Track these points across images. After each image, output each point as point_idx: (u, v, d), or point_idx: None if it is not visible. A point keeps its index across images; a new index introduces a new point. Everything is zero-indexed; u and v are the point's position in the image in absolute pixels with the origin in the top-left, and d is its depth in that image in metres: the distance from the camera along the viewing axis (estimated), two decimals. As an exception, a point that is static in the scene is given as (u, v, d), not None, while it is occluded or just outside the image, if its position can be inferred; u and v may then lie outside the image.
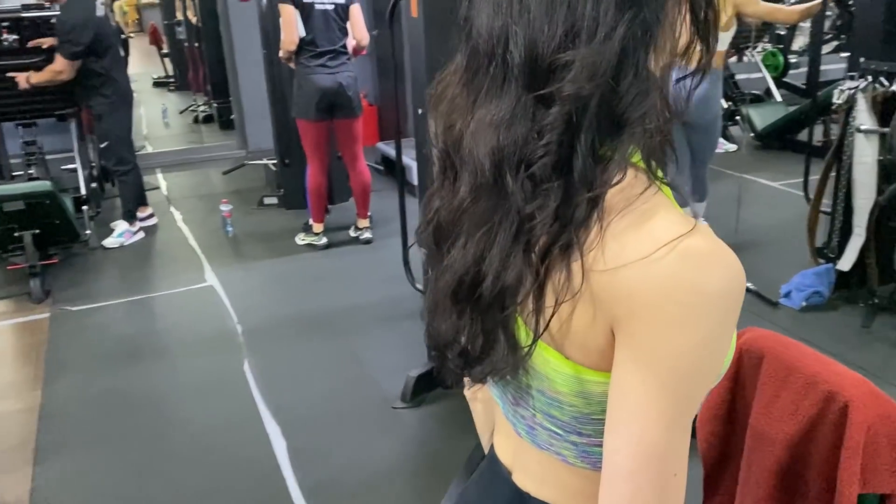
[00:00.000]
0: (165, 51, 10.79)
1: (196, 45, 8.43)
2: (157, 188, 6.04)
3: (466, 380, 0.96)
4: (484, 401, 0.97)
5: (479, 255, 0.67)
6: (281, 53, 4.28)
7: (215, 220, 5.05)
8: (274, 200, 5.45)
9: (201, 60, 8.28)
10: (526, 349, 0.69)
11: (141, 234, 4.87)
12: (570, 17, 0.60)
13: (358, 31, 4.29)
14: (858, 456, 1.03)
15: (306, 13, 4.12)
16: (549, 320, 0.66)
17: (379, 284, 4.03)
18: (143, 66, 11.64)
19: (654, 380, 0.62)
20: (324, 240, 4.59)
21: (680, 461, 0.64)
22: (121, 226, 4.80)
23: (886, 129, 3.13)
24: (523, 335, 0.70)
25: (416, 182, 3.51)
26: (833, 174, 3.52)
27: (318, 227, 4.60)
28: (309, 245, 4.60)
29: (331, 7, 4.16)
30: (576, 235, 0.62)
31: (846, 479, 1.04)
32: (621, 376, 0.64)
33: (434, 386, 2.97)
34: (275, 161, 5.56)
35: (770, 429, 1.15)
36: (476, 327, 0.71)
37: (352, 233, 4.72)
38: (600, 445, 0.72)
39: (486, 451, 1.03)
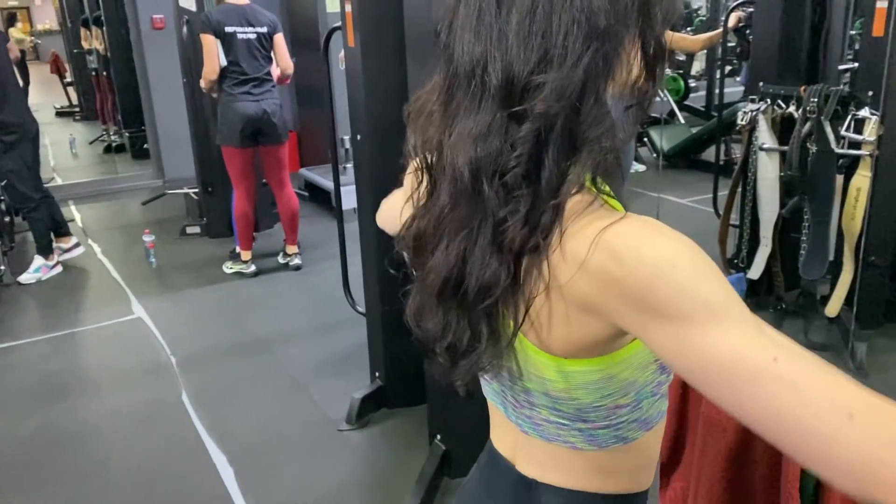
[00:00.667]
0: (69, 79, 10.45)
1: (105, 73, 8.22)
2: (72, 220, 5.84)
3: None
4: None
5: (461, 255, 0.75)
6: (202, 83, 4.27)
7: (137, 252, 4.95)
8: (196, 229, 5.38)
9: (110, 90, 8.09)
10: (508, 340, 0.77)
11: (59, 269, 4.71)
12: (544, 46, 0.69)
13: (282, 60, 4.34)
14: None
15: (228, 42, 4.14)
16: (526, 312, 0.74)
17: (313, 309, 4.06)
18: (44, 95, 11.24)
19: (681, 319, 0.64)
20: (252, 267, 4.57)
21: (774, 347, 0.62)
22: (37, 261, 4.64)
23: (786, 148, 3.41)
24: (507, 330, 0.78)
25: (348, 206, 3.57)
26: (739, 190, 3.80)
27: (246, 255, 4.57)
28: (237, 273, 4.57)
29: (253, 36, 4.19)
30: (542, 238, 0.71)
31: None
32: (663, 344, 0.66)
33: (379, 406, 3.02)
34: (196, 190, 5.49)
35: (720, 417, 1.28)
36: (462, 323, 0.78)
37: (281, 259, 4.71)
38: (606, 428, 0.81)
39: None
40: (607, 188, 0.77)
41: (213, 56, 4.12)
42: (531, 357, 0.79)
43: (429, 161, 0.80)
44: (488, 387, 0.93)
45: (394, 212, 0.94)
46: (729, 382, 0.63)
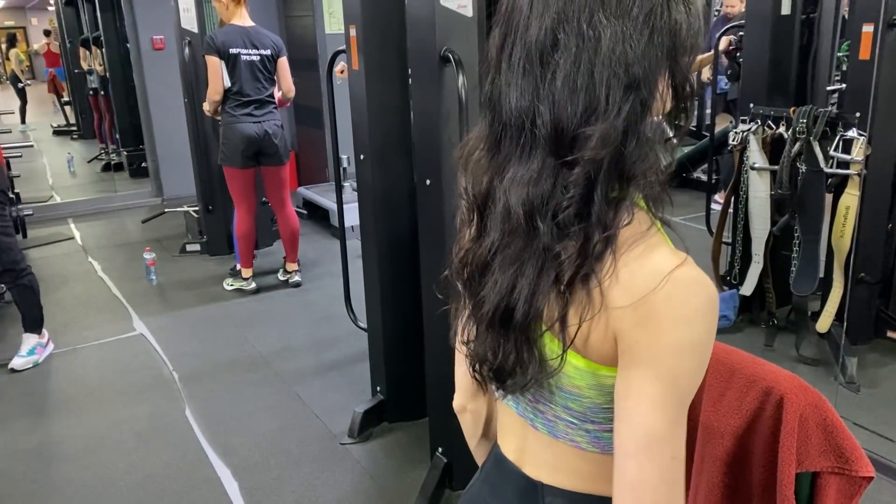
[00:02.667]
0: (66, 99, 10.52)
1: (103, 93, 8.30)
2: (72, 238, 5.90)
3: (456, 395, 1.12)
4: (473, 412, 1.11)
5: (510, 287, 0.82)
6: (205, 106, 4.34)
7: (137, 269, 4.99)
8: (196, 247, 5.43)
9: (108, 109, 8.16)
10: (555, 362, 0.84)
11: (52, 346, 3.91)
12: (588, 99, 0.76)
13: (285, 83, 4.41)
14: (794, 440, 1.23)
15: (232, 64, 4.21)
16: (575, 336, 0.81)
17: (313, 325, 4.11)
18: (41, 115, 11.31)
19: (652, 375, 0.78)
20: (253, 284, 4.62)
21: (677, 445, 0.80)
22: (28, 341, 3.78)
23: (776, 167, 3.49)
24: (549, 350, 0.85)
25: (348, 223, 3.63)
26: (731, 208, 3.88)
27: (246, 272, 4.63)
28: (238, 290, 4.62)
29: (257, 58, 4.27)
30: (594, 267, 0.78)
31: (785, 460, 1.23)
32: (625, 374, 0.80)
33: (381, 420, 3.07)
34: (196, 208, 5.55)
35: (718, 424, 1.34)
36: (509, 347, 0.86)
37: (280, 276, 4.77)
38: (609, 431, 0.88)
39: (476, 457, 1.16)
40: (657, 213, 0.84)
41: (218, 77, 4.19)
42: (565, 360, 0.85)
43: (479, 201, 0.87)
44: None
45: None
46: (629, 443, 0.80)
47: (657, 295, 0.76)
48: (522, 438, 0.98)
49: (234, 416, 3.23)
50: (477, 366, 0.91)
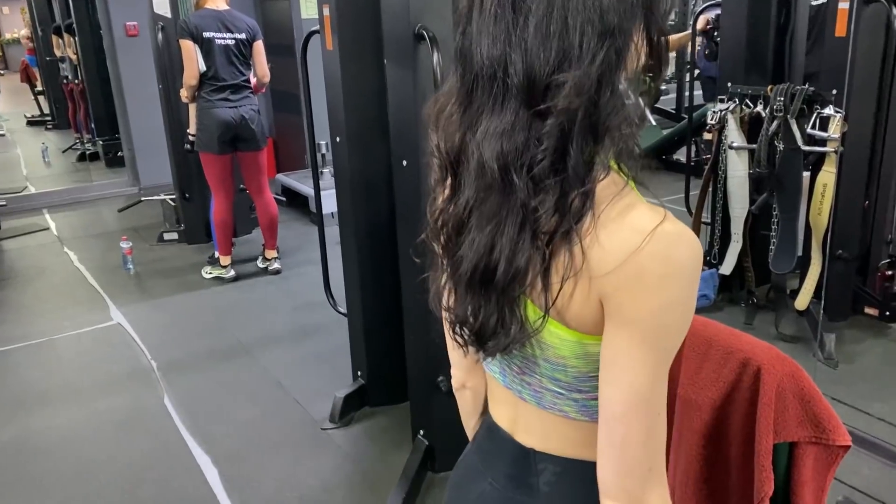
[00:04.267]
0: (39, 88, 10.35)
1: (77, 82, 8.16)
2: (47, 229, 5.82)
3: (454, 372, 1.09)
4: (472, 388, 1.09)
5: (489, 245, 0.80)
6: (182, 91, 4.27)
7: (114, 259, 4.93)
8: (174, 236, 5.37)
9: (83, 98, 8.04)
10: (536, 323, 0.82)
11: None
12: (561, 46, 0.74)
13: (260, 68, 4.35)
14: (771, 411, 1.22)
15: (207, 48, 4.15)
16: (556, 296, 0.79)
17: (293, 312, 4.08)
18: (14, 105, 11.12)
19: (638, 337, 0.76)
20: (231, 272, 4.58)
21: (662, 403, 0.80)
22: None
23: (754, 146, 3.49)
24: (530, 312, 0.83)
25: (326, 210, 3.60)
26: (710, 188, 3.89)
27: (225, 260, 4.58)
28: (216, 278, 4.58)
29: (232, 42, 4.20)
30: (573, 223, 0.76)
31: (763, 431, 1.23)
32: (611, 338, 0.79)
33: (362, 404, 3.05)
34: (173, 196, 5.48)
35: (696, 396, 1.33)
36: (490, 308, 0.83)
37: (260, 264, 4.73)
38: (596, 399, 0.86)
39: (470, 436, 1.15)
40: (629, 171, 0.82)
41: (193, 62, 4.13)
42: (549, 330, 0.84)
43: (451, 158, 0.85)
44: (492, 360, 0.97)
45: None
46: (614, 405, 0.80)
47: (641, 254, 0.74)
48: (513, 407, 0.97)
49: (213, 404, 3.20)
50: (458, 328, 0.89)
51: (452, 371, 1.10)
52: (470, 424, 1.13)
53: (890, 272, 3.37)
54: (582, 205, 0.76)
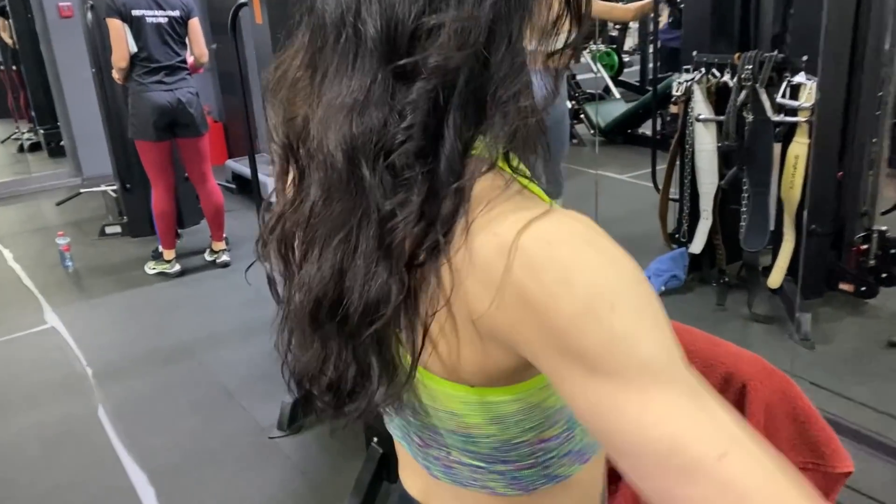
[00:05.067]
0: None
1: (14, 68, 7.74)
2: (-19, 226, 5.48)
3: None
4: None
5: (337, 266, 0.57)
6: (114, 73, 3.98)
7: (52, 256, 4.62)
8: (117, 229, 5.07)
9: (21, 85, 7.63)
10: (407, 374, 0.59)
11: None
12: None
13: (197, 47, 4.06)
14: (761, 435, 1.03)
15: (137, 27, 3.85)
16: (424, 336, 0.56)
17: (241, 308, 3.83)
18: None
19: (588, 369, 0.50)
20: (177, 266, 4.31)
21: (706, 403, 0.50)
22: None
23: (722, 118, 3.31)
24: (407, 360, 0.60)
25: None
26: (678, 163, 3.71)
27: (169, 254, 4.31)
28: (161, 274, 4.30)
29: (164, 20, 3.91)
30: (443, 235, 0.53)
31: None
32: (567, 388, 0.52)
33: (313, 410, 2.83)
34: (115, 187, 5.18)
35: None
36: (345, 355, 0.60)
37: (207, 257, 4.46)
38: (532, 467, 0.65)
39: None
40: (524, 168, 0.59)
41: (122, 42, 3.83)
42: (434, 388, 0.62)
43: (294, 144, 0.61)
44: (389, 420, 0.76)
45: None
46: (658, 472, 0.48)
47: (512, 273, 0.51)
48: (425, 479, 0.75)
49: (152, 414, 2.96)
50: (305, 382, 0.65)
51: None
52: None
53: (865, 246, 3.22)
54: (453, 209, 0.53)
